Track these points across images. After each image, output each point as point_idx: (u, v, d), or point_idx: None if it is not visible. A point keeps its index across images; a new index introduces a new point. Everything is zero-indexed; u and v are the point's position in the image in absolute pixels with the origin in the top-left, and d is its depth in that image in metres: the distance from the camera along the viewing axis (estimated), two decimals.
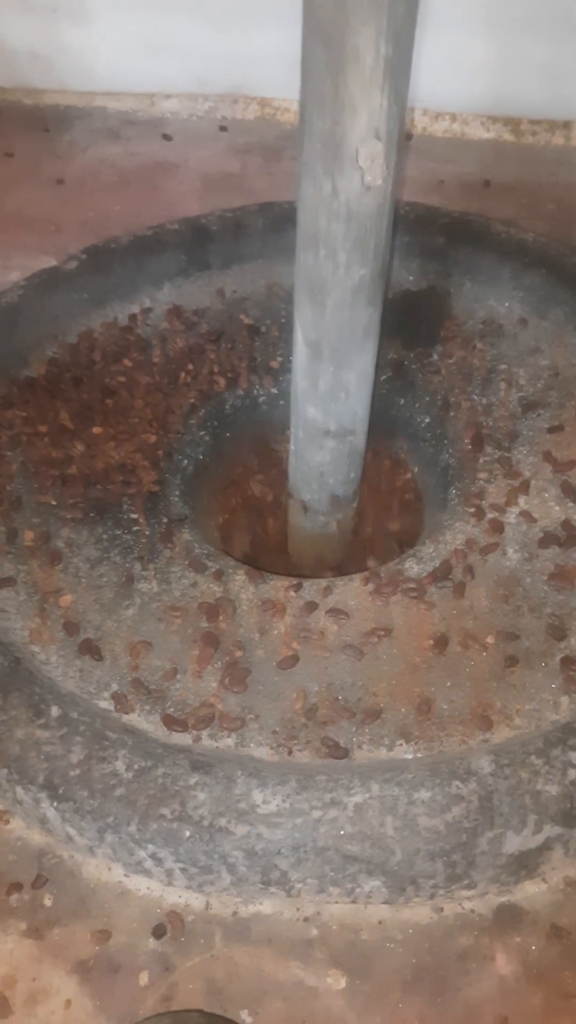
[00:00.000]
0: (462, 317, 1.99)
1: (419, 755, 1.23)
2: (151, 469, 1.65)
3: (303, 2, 1.08)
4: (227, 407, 1.88)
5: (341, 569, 1.81)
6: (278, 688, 1.32)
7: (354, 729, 1.26)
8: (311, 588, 1.45)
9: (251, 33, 2.78)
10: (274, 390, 1.91)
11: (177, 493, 1.66)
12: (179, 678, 1.33)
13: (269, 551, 1.91)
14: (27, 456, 1.66)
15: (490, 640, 1.37)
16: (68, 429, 1.71)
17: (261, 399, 1.92)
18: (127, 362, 1.86)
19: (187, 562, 1.49)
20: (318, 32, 1.06)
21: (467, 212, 2.23)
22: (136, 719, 1.28)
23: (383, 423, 1.89)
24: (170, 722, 1.27)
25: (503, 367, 1.85)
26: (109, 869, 1.23)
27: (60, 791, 1.19)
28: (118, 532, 1.54)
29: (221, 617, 1.40)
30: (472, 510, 1.56)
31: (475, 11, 2.60)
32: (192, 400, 1.81)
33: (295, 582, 1.46)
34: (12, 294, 1.95)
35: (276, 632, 1.39)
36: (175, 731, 1.26)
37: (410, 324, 1.97)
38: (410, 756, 1.23)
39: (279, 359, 1.92)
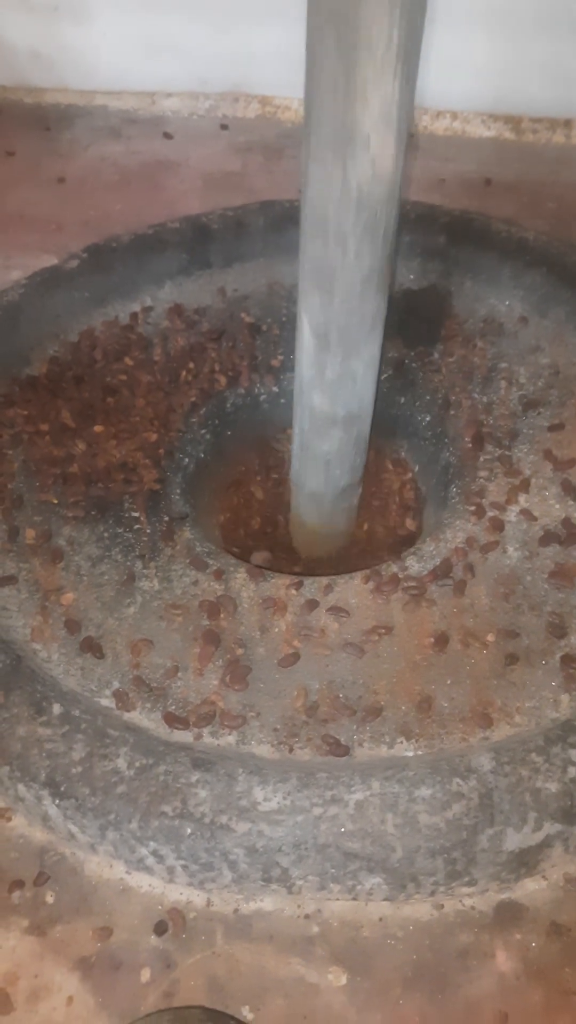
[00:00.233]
0: (463, 316, 1.99)
1: (420, 753, 1.24)
2: (152, 467, 1.66)
3: None
4: (228, 405, 1.88)
5: (345, 561, 1.80)
6: (279, 686, 1.32)
7: (355, 727, 1.26)
8: (312, 586, 1.46)
9: (252, 32, 2.79)
10: (275, 388, 1.91)
11: (178, 491, 1.66)
12: (180, 676, 1.33)
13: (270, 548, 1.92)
14: (28, 454, 1.66)
15: (490, 638, 1.37)
16: (69, 427, 1.71)
17: (262, 397, 1.92)
18: (128, 361, 1.87)
19: (188, 560, 1.49)
20: (329, 19, 1.04)
21: (468, 211, 2.24)
22: (137, 717, 1.28)
23: (384, 421, 1.89)
24: (171, 720, 1.27)
25: (504, 365, 1.85)
26: (111, 866, 1.24)
27: (62, 788, 1.19)
28: (119, 530, 1.55)
29: (222, 615, 1.41)
30: (473, 508, 1.57)
31: (476, 9, 2.60)
32: (193, 399, 1.82)
33: (296, 580, 1.47)
34: (13, 293, 1.96)
35: (277, 630, 1.39)
36: (176, 729, 1.26)
37: (411, 323, 1.97)
38: (411, 754, 1.24)
39: (280, 357, 1.92)
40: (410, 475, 1.89)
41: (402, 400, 1.88)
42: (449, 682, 1.32)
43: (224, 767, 1.19)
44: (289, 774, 1.18)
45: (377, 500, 1.90)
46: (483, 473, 1.64)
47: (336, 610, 1.41)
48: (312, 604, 1.42)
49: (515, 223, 2.19)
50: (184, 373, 1.86)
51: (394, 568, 1.48)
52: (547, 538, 1.50)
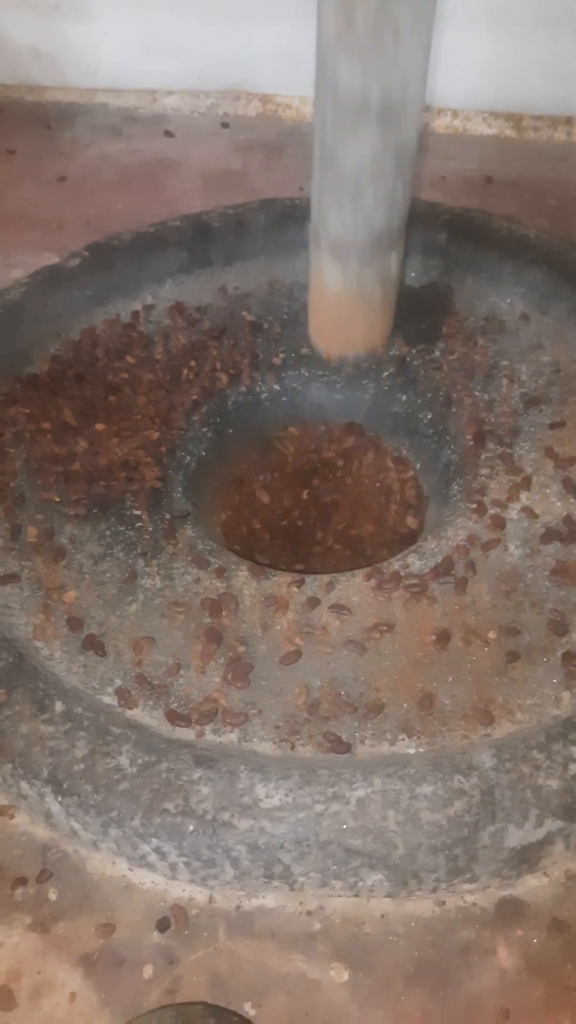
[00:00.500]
0: (464, 313, 1.99)
1: (421, 750, 1.24)
2: (154, 466, 1.66)
3: None
4: (229, 403, 1.88)
5: (380, 350, 1.44)
6: (281, 683, 1.32)
7: (356, 724, 1.27)
8: (313, 584, 1.46)
9: (253, 30, 2.79)
10: (276, 386, 1.92)
11: (180, 489, 1.66)
12: (182, 673, 1.34)
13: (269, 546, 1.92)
14: (30, 453, 1.66)
15: (492, 635, 1.37)
16: (71, 426, 1.71)
17: (263, 395, 1.92)
18: (130, 359, 1.87)
19: (190, 558, 1.50)
20: None
21: (469, 208, 2.24)
22: (139, 714, 1.29)
23: (385, 419, 1.90)
24: (173, 717, 1.27)
25: (505, 363, 1.85)
26: (113, 863, 1.24)
27: (64, 786, 1.19)
28: (121, 528, 1.55)
29: (224, 613, 1.41)
30: (474, 506, 1.57)
31: (477, 7, 2.60)
32: (194, 397, 1.82)
33: (297, 578, 1.47)
34: (15, 291, 1.96)
35: (279, 628, 1.39)
36: (178, 726, 1.27)
37: (412, 320, 1.97)
38: (412, 751, 1.24)
39: (281, 355, 1.93)
40: (412, 473, 1.90)
41: (404, 398, 1.89)
42: (450, 679, 1.32)
43: (226, 764, 1.19)
44: (291, 771, 1.18)
45: (379, 497, 1.90)
46: (484, 471, 1.64)
47: (337, 608, 1.41)
48: (313, 602, 1.42)
49: (516, 221, 2.19)
50: (185, 371, 1.86)
51: (396, 566, 1.48)
52: (548, 535, 1.51)
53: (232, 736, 1.26)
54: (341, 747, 1.23)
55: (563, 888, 1.22)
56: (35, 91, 3.08)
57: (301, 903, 1.20)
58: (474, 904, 1.21)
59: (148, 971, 1.15)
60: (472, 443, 1.69)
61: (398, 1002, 1.13)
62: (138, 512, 1.57)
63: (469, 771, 1.18)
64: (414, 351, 1.92)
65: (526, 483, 1.59)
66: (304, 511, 1.93)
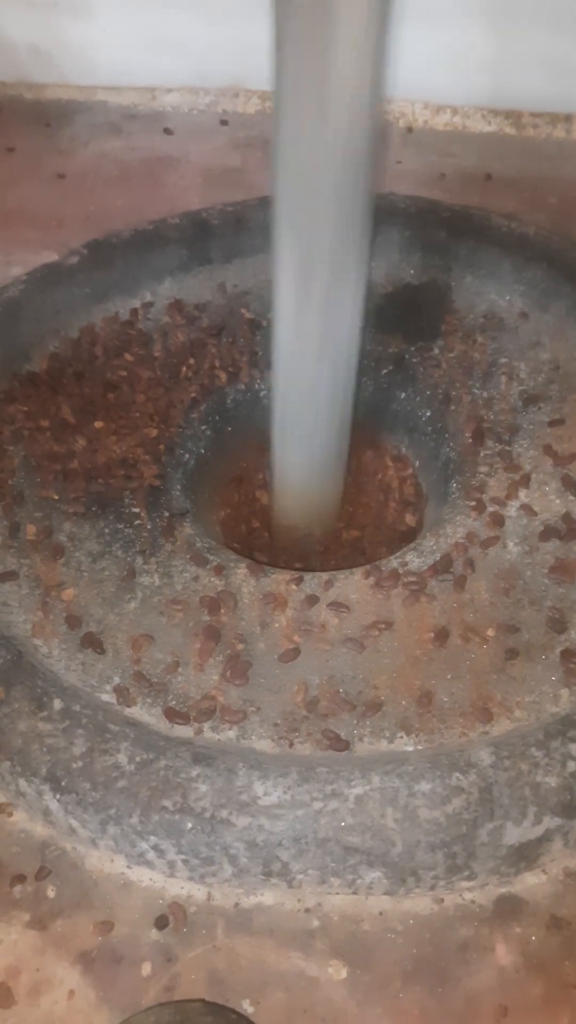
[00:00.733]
0: (463, 311, 1.99)
1: (419, 747, 1.24)
2: (152, 463, 1.66)
3: None
4: (228, 401, 1.88)
5: (330, 552, 1.76)
6: (279, 681, 1.32)
7: (355, 721, 1.27)
8: (312, 581, 1.46)
9: (251, 26, 2.77)
10: None
11: (178, 487, 1.66)
12: (181, 671, 1.34)
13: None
14: (29, 451, 1.66)
15: (490, 633, 1.37)
16: (70, 424, 1.71)
17: (262, 393, 1.92)
18: (128, 357, 1.87)
19: (188, 556, 1.50)
20: None
21: (468, 206, 2.23)
22: (138, 712, 1.29)
23: (384, 416, 1.89)
24: (172, 715, 1.27)
25: (504, 361, 1.85)
26: (112, 861, 1.24)
27: (63, 783, 1.19)
28: (120, 526, 1.55)
29: (222, 610, 1.41)
30: (473, 503, 1.57)
31: (476, 3, 2.59)
32: (193, 394, 1.82)
33: (296, 576, 1.47)
34: (13, 289, 1.96)
35: (277, 625, 1.39)
36: (177, 724, 1.27)
37: (411, 318, 1.97)
38: (410, 748, 1.24)
39: None
40: (410, 471, 1.89)
41: (402, 395, 1.88)
42: (449, 677, 1.32)
43: (224, 762, 1.19)
44: (289, 769, 1.18)
45: (377, 495, 1.90)
46: (483, 468, 1.64)
47: (336, 605, 1.41)
48: (312, 599, 1.42)
49: (516, 218, 2.19)
50: (184, 369, 1.86)
51: (394, 563, 1.48)
52: (547, 533, 1.51)
53: (230, 734, 1.26)
54: (339, 745, 1.23)
55: (562, 885, 1.22)
56: (34, 89, 3.07)
57: (299, 901, 1.21)
58: (472, 901, 1.21)
59: (146, 968, 1.15)
60: (471, 441, 1.69)
61: (396, 999, 1.13)
62: (137, 510, 1.57)
63: (467, 768, 1.18)
64: (413, 348, 1.91)
65: (525, 481, 1.59)
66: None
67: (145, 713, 1.29)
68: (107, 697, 1.31)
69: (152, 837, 1.16)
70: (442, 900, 1.21)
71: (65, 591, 1.44)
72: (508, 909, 1.20)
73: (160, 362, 1.86)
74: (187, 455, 1.76)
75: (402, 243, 2.13)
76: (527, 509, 1.55)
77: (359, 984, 1.14)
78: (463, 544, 1.50)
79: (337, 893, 1.20)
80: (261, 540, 1.88)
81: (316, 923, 1.19)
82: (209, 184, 2.63)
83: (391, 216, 2.15)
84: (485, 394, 1.79)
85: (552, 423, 1.70)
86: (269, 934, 1.18)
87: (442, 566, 1.46)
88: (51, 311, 1.95)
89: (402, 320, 1.96)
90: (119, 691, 1.30)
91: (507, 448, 1.66)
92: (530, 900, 1.21)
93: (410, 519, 1.81)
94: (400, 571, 1.46)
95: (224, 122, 2.94)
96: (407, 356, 1.90)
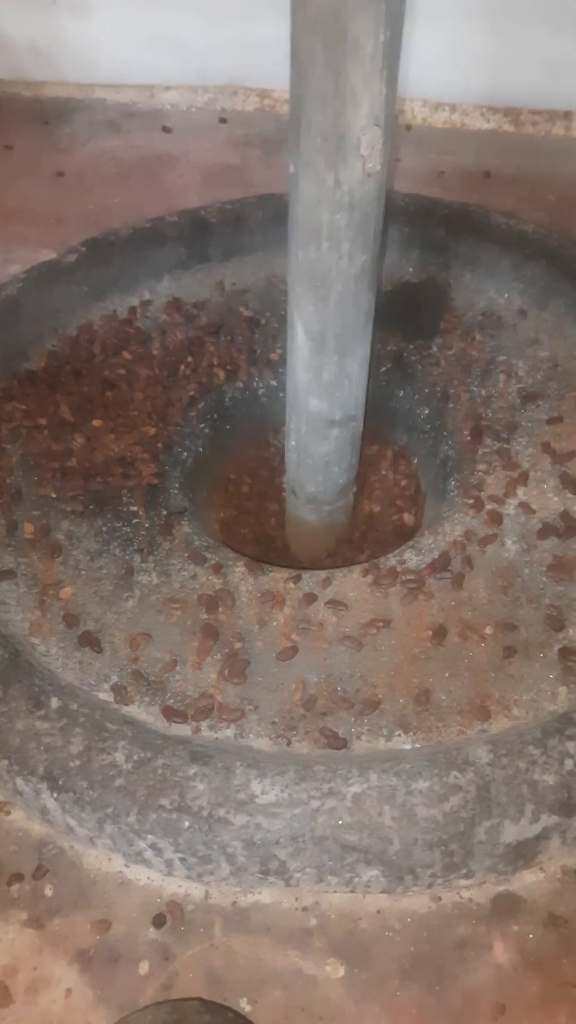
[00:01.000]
0: (462, 309, 1.98)
1: (417, 745, 1.24)
2: (151, 462, 1.66)
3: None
4: (227, 400, 1.88)
5: (342, 556, 1.79)
6: (277, 679, 1.32)
7: (353, 720, 1.27)
8: (310, 580, 1.46)
9: (250, 24, 2.78)
10: (273, 382, 1.91)
11: (177, 486, 1.66)
12: (178, 670, 1.34)
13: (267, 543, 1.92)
14: (27, 449, 1.66)
15: (488, 631, 1.37)
16: (68, 422, 1.71)
17: (260, 391, 1.92)
18: (127, 355, 1.87)
19: (186, 554, 1.50)
20: (314, 26, 1.06)
21: (467, 203, 2.23)
22: (136, 710, 1.29)
23: (383, 414, 1.89)
24: (170, 713, 1.27)
25: (502, 358, 1.85)
26: (109, 859, 1.24)
27: (60, 782, 1.19)
28: (118, 525, 1.55)
29: (220, 609, 1.41)
30: (471, 501, 1.56)
31: (475, 2, 2.59)
32: (192, 393, 1.82)
33: (294, 574, 1.47)
34: (12, 287, 1.96)
35: (275, 624, 1.39)
36: (174, 722, 1.27)
37: (410, 316, 1.97)
38: (408, 746, 1.24)
39: (278, 351, 1.92)
40: (409, 468, 1.89)
41: (401, 393, 1.88)
42: (447, 675, 1.32)
43: (222, 760, 1.19)
44: (287, 767, 1.18)
45: (376, 493, 1.89)
46: (482, 466, 1.64)
47: (334, 603, 1.41)
48: (310, 598, 1.42)
49: (514, 216, 2.19)
50: (182, 367, 1.86)
51: (392, 561, 1.48)
52: (545, 531, 1.50)
53: (228, 732, 1.26)
54: (337, 743, 1.23)
55: (559, 883, 1.22)
56: (33, 87, 3.07)
57: (297, 899, 1.21)
58: (470, 899, 1.21)
59: (144, 967, 1.15)
60: (469, 438, 1.69)
61: (394, 997, 1.13)
62: (135, 508, 1.57)
63: (465, 767, 1.18)
64: (411, 346, 1.91)
65: (523, 479, 1.59)
66: None
67: (143, 712, 1.29)
68: (105, 696, 1.30)
69: (150, 836, 1.16)
70: (440, 898, 1.21)
71: (63, 589, 1.44)
72: (506, 907, 1.20)
73: (158, 360, 1.86)
74: (185, 453, 1.76)
75: (401, 241, 2.13)
76: (525, 507, 1.55)
77: (357, 982, 1.14)
78: (461, 542, 1.50)
79: (335, 891, 1.20)
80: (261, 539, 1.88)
81: (314, 921, 1.19)
82: (208, 182, 2.63)
83: (390, 214, 2.14)
84: (484, 392, 1.78)
85: (550, 421, 1.70)
86: (267, 932, 1.18)
87: (440, 564, 1.46)
88: (49, 309, 1.95)
89: (401, 318, 1.95)
90: (117, 690, 1.30)
91: (505, 446, 1.66)
92: (528, 898, 1.21)
93: (408, 517, 1.81)
94: (398, 569, 1.46)
95: (223, 120, 2.94)
96: (406, 354, 1.90)
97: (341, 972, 1.15)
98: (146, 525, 1.55)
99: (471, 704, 1.28)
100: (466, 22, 2.62)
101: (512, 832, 1.16)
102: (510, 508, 1.55)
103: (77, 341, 1.90)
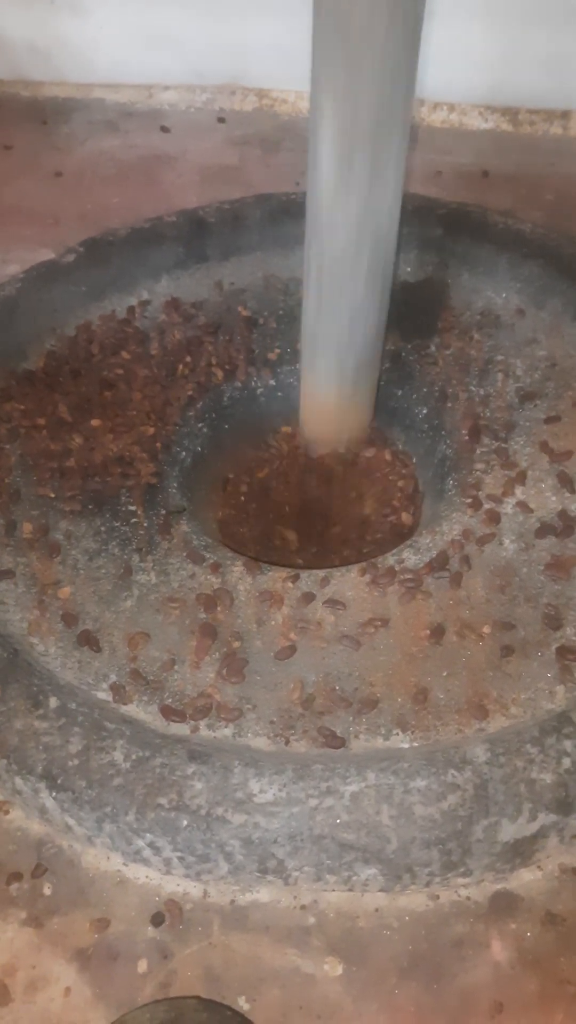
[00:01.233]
0: (460, 308, 1.99)
1: (415, 744, 1.24)
2: (149, 461, 1.66)
3: None
4: (225, 399, 1.88)
5: (359, 440, 1.64)
6: (275, 678, 1.32)
7: (351, 719, 1.27)
8: (308, 579, 1.46)
9: (249, 24, 2.78)
10: (272, 382, 1.91)
11: (175, 485, 1.66)
12: (177, 669, 1.34)
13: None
14: (25, 449, 1.66)
15: (486, 630, 1.37)
16: (66, 422, 1.71)
17: (259, 391, 1.92)
18: (125, 355, 1.87)
19: (185, 554, 1.50)
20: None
21: (465, 203, 2.23)
22: (134, 710, 1.29)
23: (380, 414, 1.89)
24: (168, 712, 1.27)
25: (500, 358, 1.85)
26: (108, 858, 1.24)
27: (59, 781, 1.20)
28: (116, 524, 1.55)
29: (219, 608, 1.41)
30: (469, 501, 1.57)
31: (473, 1, 2.59)
32: (190, 392, 1.82)
33: (292, 573, 1.47)
34: (10, 287, 1.96)
35: (274, 623, 1.40)
36: (173, 721, 1.27)
37: (408, 315, 1.97)
38: (406, 745, 1.24)
39: (277, 351, 1.93)
40: (407, 468, 1.89)
41: (399, 393, 1.88)
42: (445, 674, 1.32)
43: (220, 759, 1.19)
44: (285, 766, 1.18)
45: (374, 493, 1.90)
46: (480, 465, 1.64)
47: (332, 603, 1.41)
48: (309, 597, 1.42)
49: (512, 215, 2.19)
50: (181, 367, 1.86)
51: (391, 561, 1.48)
52: (543, 530, 1.51)
53: (227, 731, 1.26)
54: (335, 742, 1.24)
55: (557, 881, 1.23)
56: (31, 86, 3.07)
57: (295, 897, 1.21)
58: (468, 898, 1.21)
59: (142, 965, 1.15)
60: (467, 438, 1.69)
61: (392, 996, 1.13)
62: (133, 508, 1.57)
63: (463, 765, 1.18)
64: (409, 346, 1.91)
65: (521, 478, 1.59)
66: (300, 507, 1.93)
67: (141, 711, 1.29)
68: (103, 695, 1.31)
69: (148, 835, 1.17)
70: (437, 897, 1.21)
71: (61, 589, 1.45)
72: (503, 905, 1.20)
73: (157, 360, 1.86)
74: (184, 453, 1.76)
75: (399, 240, 2.12)
76: (523, 506, 1.55)
77: (355, 980, 1.14)
78: (459, 541, 1.50)
79: (333, 890, 1.21)
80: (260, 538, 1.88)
81: (312, 920, 1.19)
82: (206, 182, 2.63)
83: None
84: (482, 391, 1.79)
85: (548, 420, 1.70)
86: (265, 931, 1.18)
87: (438, 563, 1.46)
88: (48, 309, 1.95)
89: (399, 317, 1.95)
90: (115, 689, 1.30)
91: (503, 445, 1.66)
92: (525, 896, 1.21)
93: (406, 516, 1.81)
94: (396, 568, 1.46)
95: (221, 120, 2.94)
96: (404, 353, 1.90)
97: (339, 970, 1.15)
98: (144, 525, 1.55)
99: (469, 703, 1.28)
100: (465, 21, 2.62)
101: (510, 830, 1.16)
102: (508, 507, 1.55)
103: (75, 341, 1.90)
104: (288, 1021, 1.11)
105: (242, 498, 1.90)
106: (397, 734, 1.25)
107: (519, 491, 1.58)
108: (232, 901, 1.21)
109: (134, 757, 1.20)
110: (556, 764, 1.19)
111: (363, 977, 1.14)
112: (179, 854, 1.17)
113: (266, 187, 2.39)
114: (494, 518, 1.53)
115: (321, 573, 1.47)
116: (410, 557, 1.49)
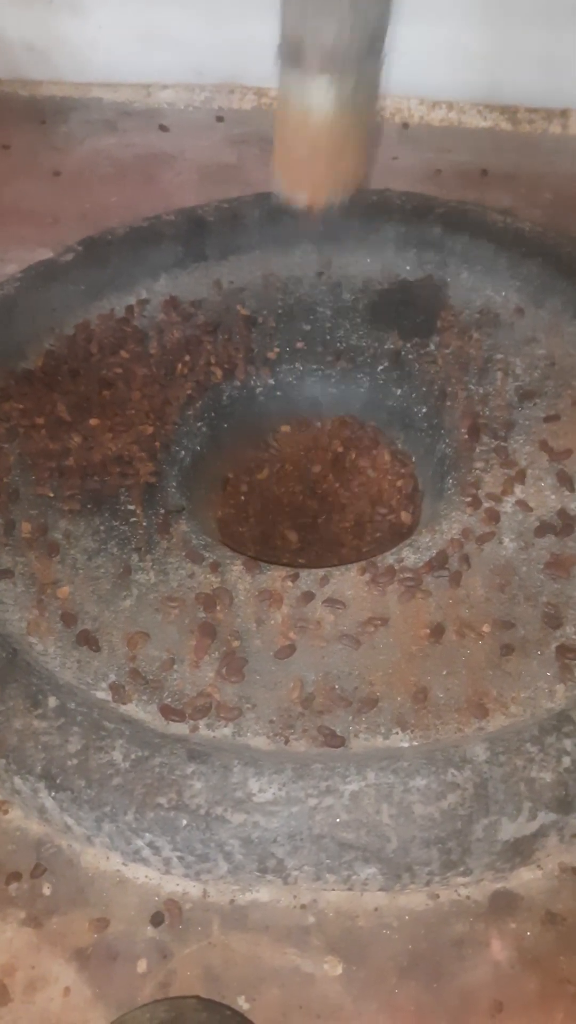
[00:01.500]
0: (459, 307, 1.98)
1: (415, 743, 1.24)
2: (148, 461, 1.66)
3: None
4: (224, 398, 1.88)
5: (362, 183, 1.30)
6: (275, 677, 1.32)
7: (350, 718, 1.27)
8: (308, 578, 1.46)
9: (247, 23, 2.77)
10: (271, 381, 1.91)
11: (174, 484, 1.66)
12: (176, 668, 1.34)
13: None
14: (24, 448, 1.66)
15: (486, 629, 1.37)
16: (65, 421, 1.71)
17: (258, 390, 1.92)
18: (124, 354, 1.86)
19: (184, 553, 1.50)
20: None
21: (464, 201, 2.23)
22: (133, 709, 1.29)
23: (380, 413, 1.89)
24: (167, 712, 1.27)
25: (500, 357, 1.85)
26: (107, 858, 1.24)
27: (58, 781, 1.19)
28: (115, 524, 1.55)
29: (218, 607, 1.41)
30: (468, 499, 1.56)
31: None
32: (189, 391, 1.82)
33: (292, 572, 1.47)
34: (9, 286, 1.96)
35: (273, 622, 1.39)
36: (172, 721, 1.27)
37: (407, 314, 1.97)
38: (406, 744, 1.24)
39: (276, 350, 1.92)
40: (407, 467, 1.89)
41: (398, 391, 1.88)
42: (445, 673, 1.32)
43: (219, 759, 1.19)
44: (284, 765, 1.18)
45: (373, 491, 1.89)
46: (479, 464, 1.64)
47: (332, 602, 1.41)
48: (308, 596, 1.42)
49: (511, 214, 2.19)
50: (180, 366, 1.86)
51: (390, 560, 1.48)
52: (543, 529, 1.50)
53: (226, 730, 1.26)
54: (335, 741, 1.23)
55: (557, 881, 1.22)
56: (29, 86, 3.07)
57: (295, 897, 1.21)
58: (468, 897, 1.21)
59: (142, 965, 1.15)
60: (467, 437, 1.69)
61: (392, 995, 1.13)
62: (132, 507, 1.57)
63: (463, 764, 1.18)
64: (409, 345, 1.91)
65: (520, 476, 1.59)
66: (299, 506, 1.93)
67: (140, 710, 1.29)
68: (102, 694, 1.30)
69: (147, 834, 1.16)
70: (437, 896, 1.21)
71: (60, 588, 1.44)
72: (503, 904, 1.20)
73: (156, 359, 1.86)
74: (183, 452, 1.76)
75: (398, 239, 2.13)
76: (523, 505, 1.55)
77: (354, 980, 1.14)
78: (459, 540, 1.50)
79: (332, 889, 1.20)
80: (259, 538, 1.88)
81: (311, 919, 1.19)
82: (205, 181, 2.63)
83: (387, 212, 2.15)
84: (481, 390, 1.78)
85: (548, 419, 1.70)
86: (264, 931, 1.18)
87: (438, 562, 1.46)
88: (47, 308, 1.95)
89: (398, 316, 1.95)
90: (114, 688, 1.30)
91: (503, 444, 1.66)
92: (525, 895, 1.21)
93: (406, 515, 1.81)
94: (396, 567, 1.46)
95: (220, 119, 2.94)
96: (403, 352, 1.90)
97: (339, 970, 1.15)
98: (144, 524, 1.55)
99: (469, 702, 1.28)
100: (463, 20, 2.62)
101: (509, 830, 1.16)
102: (507, 506, 1.55)
103: (74, 340, 1.90)
104: (288, 1021, 1.11)
105: (242, 497, 1.90)
106: (397, 733, 1.25)
107: (518, 490, 1.58)
108: (232, 901, 1.21)
109: (133, 757, 1.19)
110: (556, 763, 1.18)
111: (363, 976, 1.14)
112: (178, 854, 1.17)
113: (265, 186, 2.37)
114: (493, 517, 1.53)
115: (320, 572, 1.47)
116: (410, 556, 1.49)
